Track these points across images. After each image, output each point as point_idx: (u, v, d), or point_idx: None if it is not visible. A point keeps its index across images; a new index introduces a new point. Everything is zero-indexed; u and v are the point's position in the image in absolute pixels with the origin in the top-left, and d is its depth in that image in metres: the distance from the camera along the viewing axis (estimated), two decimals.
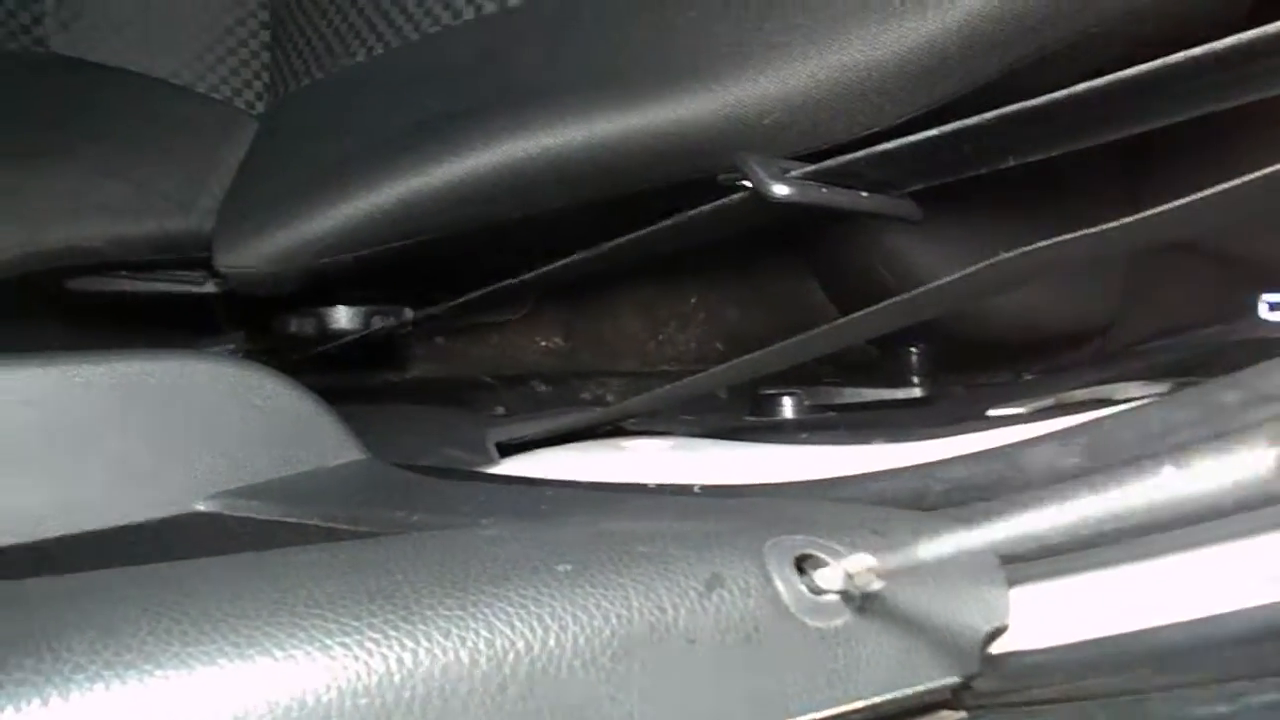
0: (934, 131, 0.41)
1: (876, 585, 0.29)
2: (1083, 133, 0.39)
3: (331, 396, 0.56)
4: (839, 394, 0.78)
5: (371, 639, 0.25)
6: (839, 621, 0.31)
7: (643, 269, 1.11)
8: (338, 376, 0.85)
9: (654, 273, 1.12)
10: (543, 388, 1.02)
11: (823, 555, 0.32)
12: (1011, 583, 0.35)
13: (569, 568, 0.29)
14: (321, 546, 0.31)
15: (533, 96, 0.60)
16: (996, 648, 0.35)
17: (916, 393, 0.76)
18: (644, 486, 0.48)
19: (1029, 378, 0.84)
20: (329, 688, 0.24)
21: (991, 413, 0.64)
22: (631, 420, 0.65)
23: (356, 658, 0.24)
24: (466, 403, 0.91)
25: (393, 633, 0.25)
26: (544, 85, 0.60)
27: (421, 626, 0.26)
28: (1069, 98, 0.36)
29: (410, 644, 0.25)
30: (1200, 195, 0.31)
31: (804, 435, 0.62)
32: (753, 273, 1.11)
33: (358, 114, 0.68)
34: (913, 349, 0.77)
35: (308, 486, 0.52)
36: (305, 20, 0.74)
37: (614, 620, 0.28)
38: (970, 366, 0.85)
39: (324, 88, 0.71)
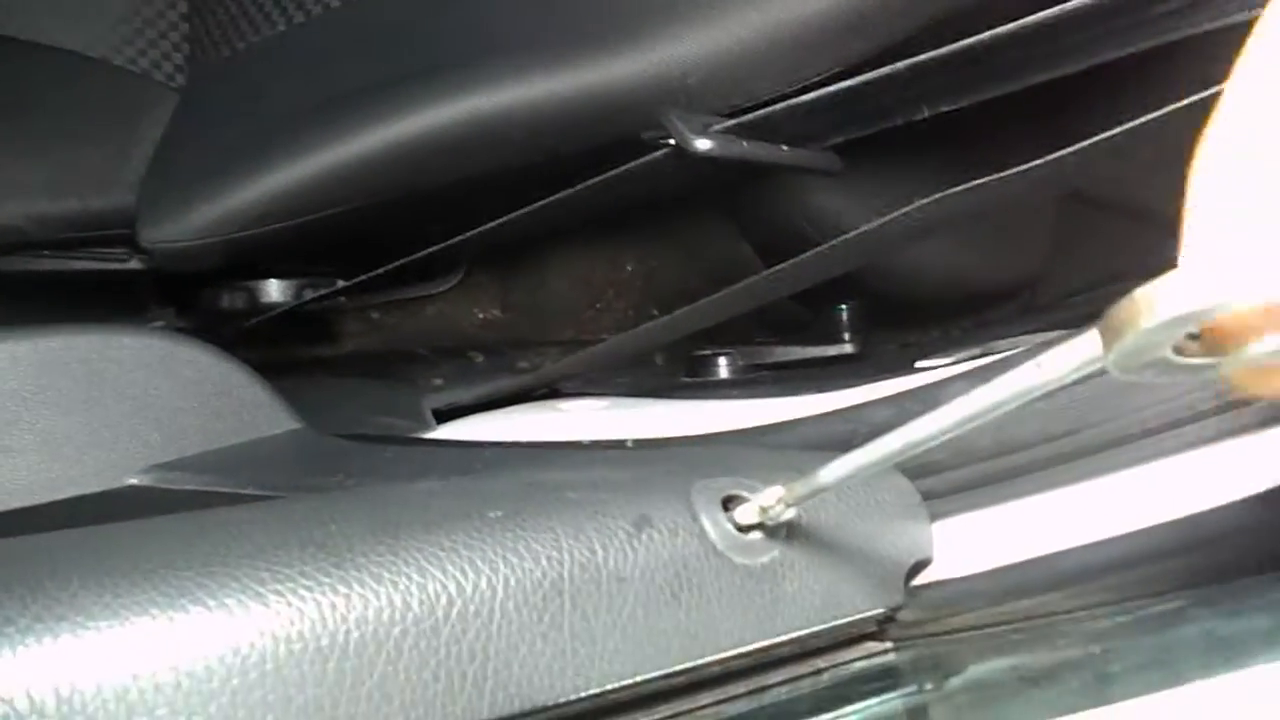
0: (849, 83, 0.42)
1: (789, 514, 0.30)
2: (989, 80, 0.40)
3: (265, 370, 0.55)
4: (772, 353, 0.79)
5: (305, 586, 0.25)
6: (765, 558, 0.32)
7: (578, 238, 1.11)
8: (272, 351, 0.84)
9: (590, 242, 1.12)
10: (480, 359, 1.02)
11: (748, 495, 0.33)
12: (934, 517, 0.37)
13: (500, 514, 0.29)
14: (254, 504, 0.32)
15: (457, 62, 0.60)
16: (921, 580, 0.36)
17: (848, 349, 0.78)
18: (578, 444, 0.49)
19: (958, 333, 0.86)
20: (263, 634, 0.24)
21: (920, 364, 0.66)
22: (568, 384, 0.66)
23: (290, 604, 0.25)
24: (403, 375, 0.91)
25: (325, 579, 0.26)
26: (469, 50, 0.60)
27: (354, 573, 0.26)
28: (974, 45, 0.37)
29: (343, 589, 0.26)
30: (1090, 141, 0.32)
31: (736, 391, 0.63)
32: (688, 239, 1.11)
33: (279, 84, 0.67)
34: (843, 307, 0.79)
35: (242, 457, 0.51)
36: None
37: (544, 562, 0.28)
38: (901, 324, 0.87)
39: (244, 58, 0.70)
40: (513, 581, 0.28)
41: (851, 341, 0.77)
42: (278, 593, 0.25)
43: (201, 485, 0.49)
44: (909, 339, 0.81)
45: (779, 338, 0.84)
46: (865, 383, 0.52)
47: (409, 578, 0.26)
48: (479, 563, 0.28)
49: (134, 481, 0.50)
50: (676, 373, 0.81)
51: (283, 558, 0.26)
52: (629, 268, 1.17)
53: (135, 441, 0.50)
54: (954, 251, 0.79)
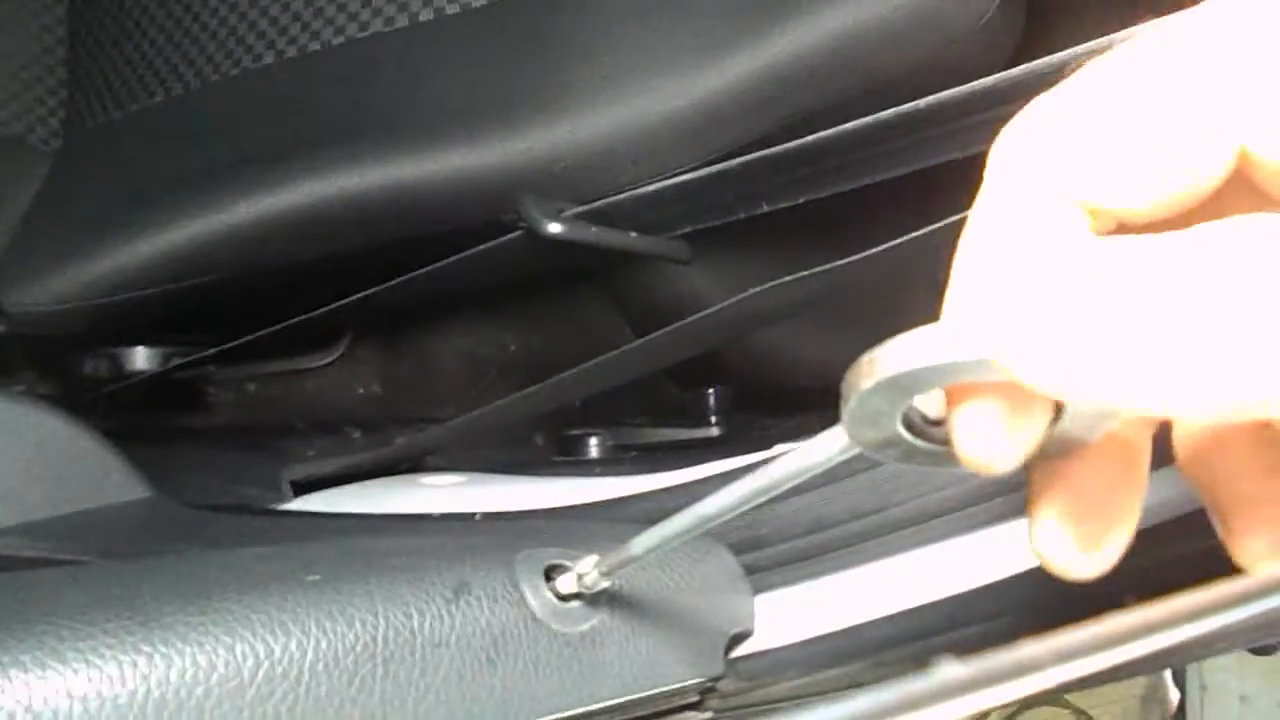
0: (689, 176, 0.44)
1: (604, 584, 0.31)
2: (822, 180, 0.43)
3: (130, 438, 0.55)
4: (641, 434, 0.81)
5: (106, 644, 0.25)
6: (585, 626, 0.33)
7: (461, 316, 1.12)
8: (138, 419, 0.83)
9: (473, 320, 1.13)
10: (357, 434, 1.02)
11: (570, 565, 0.34)
12: (757, 590, 0.38)
13: (317, 578, 0.30)
14: (71, 566, 0.32)
15: (332, 139, 0.61)
16: (741, 650, 0.38)
17: (714, 432, 0.80)
18: (429, 516, 0.49)
19: (819, 420, 0.89)
20: (58, 692, 0.24)
21: (778, 447, 0.68)
22: (434, 459, 0.66)
23: (89, 662, 0.25)
24: (277, 448, 0.90)
25: (129, 638, 0.26)
26: (344, 129, 0.62)
27: (159, 633, 0.26)
28: (801, 147, 0.39)
29: (146, 648, 0.26)
30: (904, 239, 0.35)
31: (599, 469, 0.65)
32: (570, 319, 1.13)
33: (154, 153, 0.67)
34: (711, 390, 0.81)
35: (85, 524, 0.51)
36: (105, 58, 0.73)
37: (358, 625, 0.29)
38: (767, 409, 0.90)
39: (121, 126, 0.70)
40: (324, 644, 0.28)
41: (718, 424, 0.80)
42: (76, 650, 0.25)
43: (39, 552, 0.48)
44: (772, 423, 0.84)
45: (651, 419, 0.86)
46: (716, 460, 0.54)
47: (216, 639, 0.27)
48: (290, 625, 0.28)
49: None
50: (550, 452, 0.82)
51: (87, 616, 0.26)
52: (512, 347, 1.18)
53: None
54: (814, 338, 0.82)
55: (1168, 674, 2.20)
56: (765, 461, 0.40)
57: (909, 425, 0.21)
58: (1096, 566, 0.22)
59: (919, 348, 0.19)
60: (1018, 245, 0.20)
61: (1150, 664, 0.36)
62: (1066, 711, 2.16)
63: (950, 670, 0.13)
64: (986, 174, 0.21)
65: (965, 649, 0.26)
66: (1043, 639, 0.14)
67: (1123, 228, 0.21)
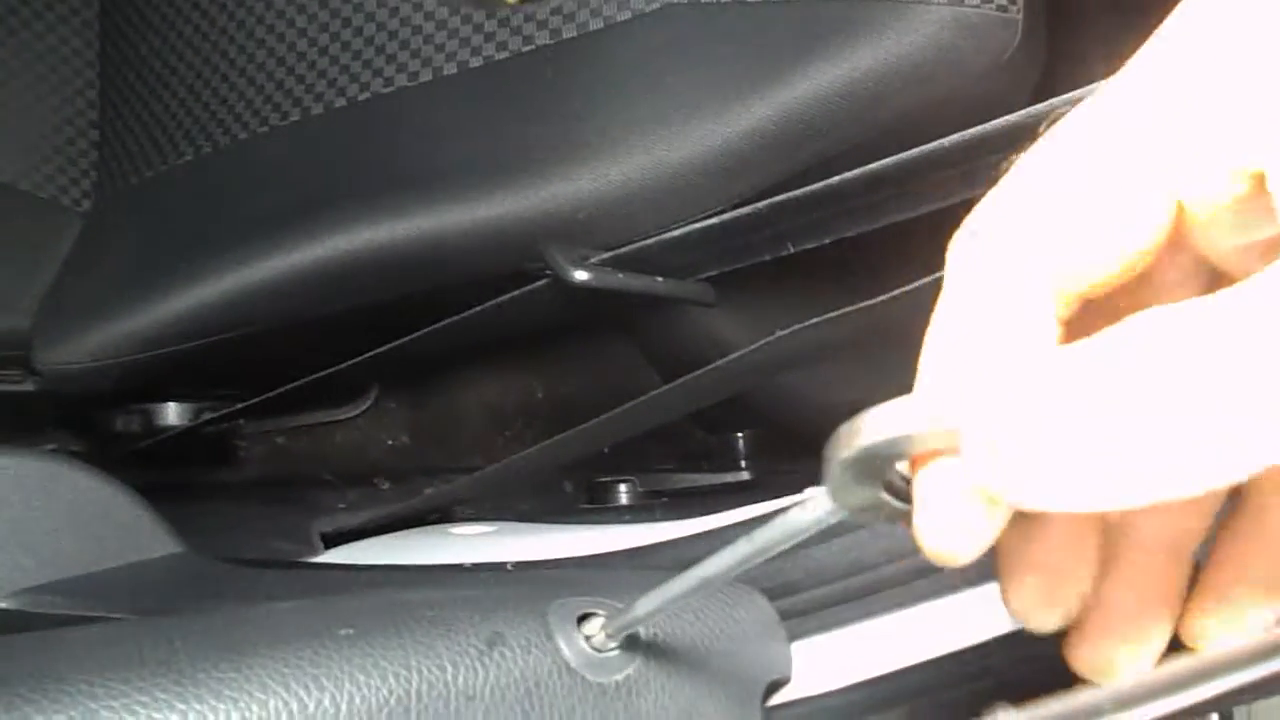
0: (713, 220, 0.44)
1: (612, 646, 0.31)
2: (844, 220, 0.43)
3: (158, 494, 0.55)
4: (671, 480, 0.80)
5: (140, 702, 0.25)
6: (620, 676, 0.33)
7: (489, 367, 1.12)
8: (169, 474, 0.83)
9: (500, 370, 1.13)
10: (386, 485, 1.02)
11: (603, 614, 0.33)
12: (793, 637, 0.38)
13: (350, 631, 0.30)
14: (104, 623, 0.31)
15: (359, 193, 0.62)
16: (778, 699, 0.37)
17: (744, 476, 0.79)
18: (460, 566, 0.49)
19: None
20: None
21: (809, 491, 0.67)
22: (463, 509, 0.66)
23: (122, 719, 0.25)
24: (306, 501, 0.90)
25: (161, 695, 0.26)
26: (370, 182, 0.62)
27: (193, 689, 0.26)
28: (825, 188, 0.39)
29: (180, 706, 0.26)
30: (931, 279, 0.35)
31: (629, 516, 0.64)
32: (597, 366, 1.13)
33: (184, 212, 0.68)
34: (740, 435, 0.80)
35: (117, 580, 0.51)
36: (135, 119, 0.74)
37: (391, 679, 0.29)
38: (797, 452, 0.89)
39: (151, 186, 0.71)
40: (357, 699, 0.28)
41: (748, 469, 0.79)
42: (110, 709, 0.25)
43: (72, 609, 0.48)
44: (802, 467, 0.83)
45: (680, 464, 0.86)
46: (746, 505, 0.54)
47: (250, 694, 0.27)
48: (324, 680, 0.28)
49: (2, 605, 0.49)
50: (579, 500, 0.82)
51: (120, 675, 0.26)
52: (539, 395, 1.18)
53: (6, 564, 0.49)
54: (842, 380, 0.82)
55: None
56: (781, 510, 0.40)
57: (892, 489, 0.21)
58: (1062, 621, 0.24)
59: (894, 419, 0.20)
60: (975, 338, 0.22)
61: (1206, 708, 0.35)
62: None
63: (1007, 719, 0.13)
64: (947, 270, 0.22)
65: (1012, 693, 0.26)
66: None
67: (1087, 301, 0.22)
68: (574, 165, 0.58)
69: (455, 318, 0.55)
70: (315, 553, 0.57)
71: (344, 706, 0.28)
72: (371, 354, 0.60)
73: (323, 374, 0.63)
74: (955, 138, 0.37)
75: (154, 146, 0.72)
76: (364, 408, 1.07)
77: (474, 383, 1.13)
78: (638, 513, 0.67)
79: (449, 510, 0.64)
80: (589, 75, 0.60)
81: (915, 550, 0.35)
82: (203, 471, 0.91)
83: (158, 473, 0.80)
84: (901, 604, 0.35)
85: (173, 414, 0.76)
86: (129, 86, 0.76)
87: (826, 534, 0.41)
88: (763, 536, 0.24)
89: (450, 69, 0.63)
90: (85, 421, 0.81)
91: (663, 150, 0.56)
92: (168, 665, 0.27)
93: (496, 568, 0.48)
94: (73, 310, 0.68)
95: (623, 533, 0.58)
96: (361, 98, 0.63)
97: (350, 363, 0.61)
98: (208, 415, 0.74)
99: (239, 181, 0.68)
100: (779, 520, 0.23)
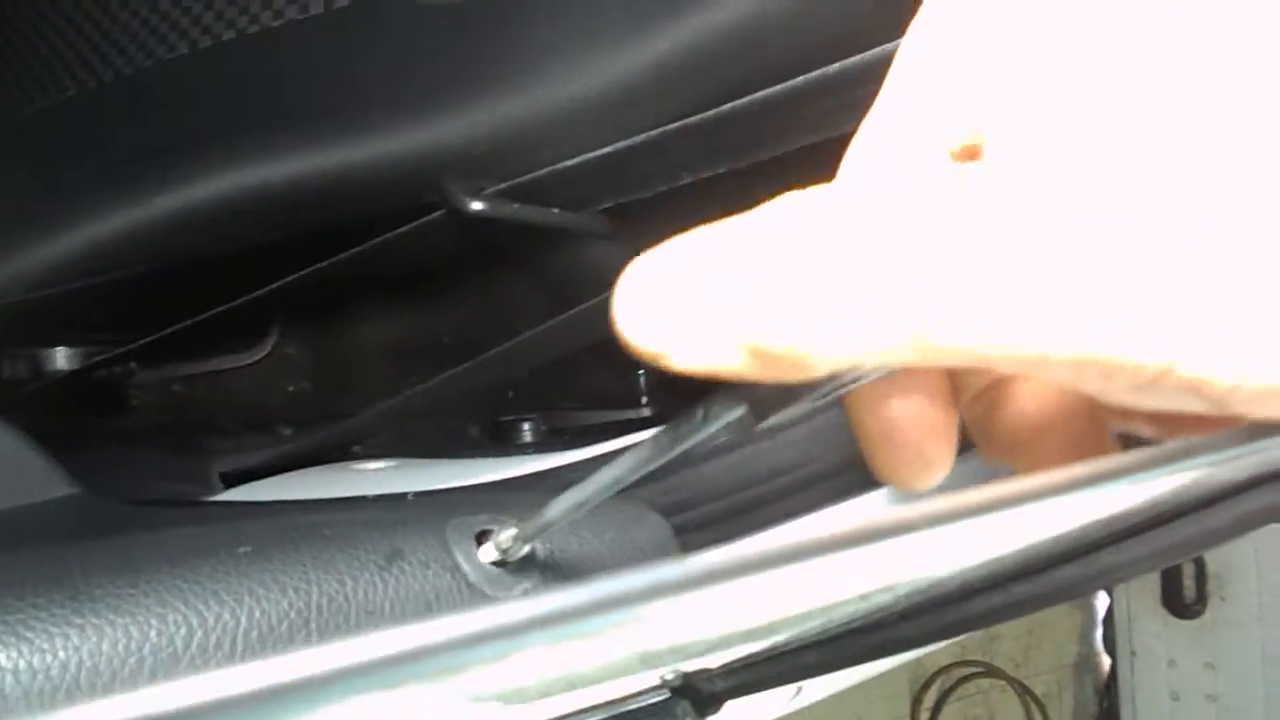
0: (606, 150, 0.45)
1: (524, 549, 0.32)
2: (736, 150, 0.44)
3: (52, 440, 0.54)
4: (575, 417, 0.81)
5: (36, 618, 0.26)
6: (517, 591, 0.34)
7: (391, 310, 1.11)
8: (60, 420, 0.81)
9: (402, 313, 1.12)
10: (288, 432, 1.01)
11: (505, 529, 0.34)
12: (685, 549, 0.39)
13: (249, 550, 0.30)
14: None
15: (250, 129, 0.61)
16: None
17: (646, 412, 0.81)
18: (362, 498, 0.49)
19: None
20: None
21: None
22: (364, 447, 0.66)
23: (19, 636, 0.25)
24: (206, 447, 0.89)
25: (59, 611, 0.26)
26: (261, 119, 0.61)
27: (89, 605, 0.26)
28: (717, 115, 0.40)
29: (78, 620, 0.26)
30: None
31: (531, 451, 0.65)
32: (502, 306, 1.13)
33: (68, 148, 0.66)
34: (641, 373, 0.82)
35: (10, 521, 0.50)
36: (13, 55, 0.72)
37: (290, 593, 0.29)
38: (698, 390, 0.91)
39: (33, 122, 0.69)
40: (257, 613, 0.29)
41: (648, 405, 0.80)
42: (5, 624, 0.25)
43: None
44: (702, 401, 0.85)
45: (582, 405, 0.87)
46: (645, 430, 0.55)
47: (148, 609, 0.27)
48: (222, 594, 0.28)
49: None
50: (484, 441, 0.82)
51: (14, 593, 0.26)
52: (445, 340, 1.18)
53: None
54: None
55: (1099, 641, 2.26)
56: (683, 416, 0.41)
57: None
58: (932, 479, 0.26)
59: None
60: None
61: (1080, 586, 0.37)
62: (1003, 682, 2.21)
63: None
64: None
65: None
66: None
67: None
68: (471, 99, 0.58)
69: (351, 251, 0.55)
70: (215, 492, 0.57)
71: (243, 620, 0.28)
72: (265, 290, 0.60)
73: (213, 313, 0.62)
74: (841, 64, 0.38)
75: (34, 82, 0.69)
76: (263, 354, 1.05)
77: (377, 325, 1.12)
78: (540, 448, 0.68)
79: (350, 450, 0.64)
80: (484, 9, 0.60)
81: (798, 464, 0.37)
82: (97, 419, 0.89)
83: (48, 419, 0.78)
84: (786, 515, 0.37)
85: (61, 358, 0.74)
86: (6, 21, 0.74)
87: (714, 451, 0.43)
88: (666, 437, 0.25)
89: (341, 2, 0.62)
90: None
91: (559, 85, 0.56)
92: (63, 585, 0.27)
93: (398, 498, 0.49)
94: None
95: (524, 462, 0.59)
96: (251, 30, 0.62)
97: (242, 300, 0.60)
98: (98, 359, 0.73)
99: (125, 117, 0.66)
100: (680, 421, 0.25)
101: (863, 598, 0.21)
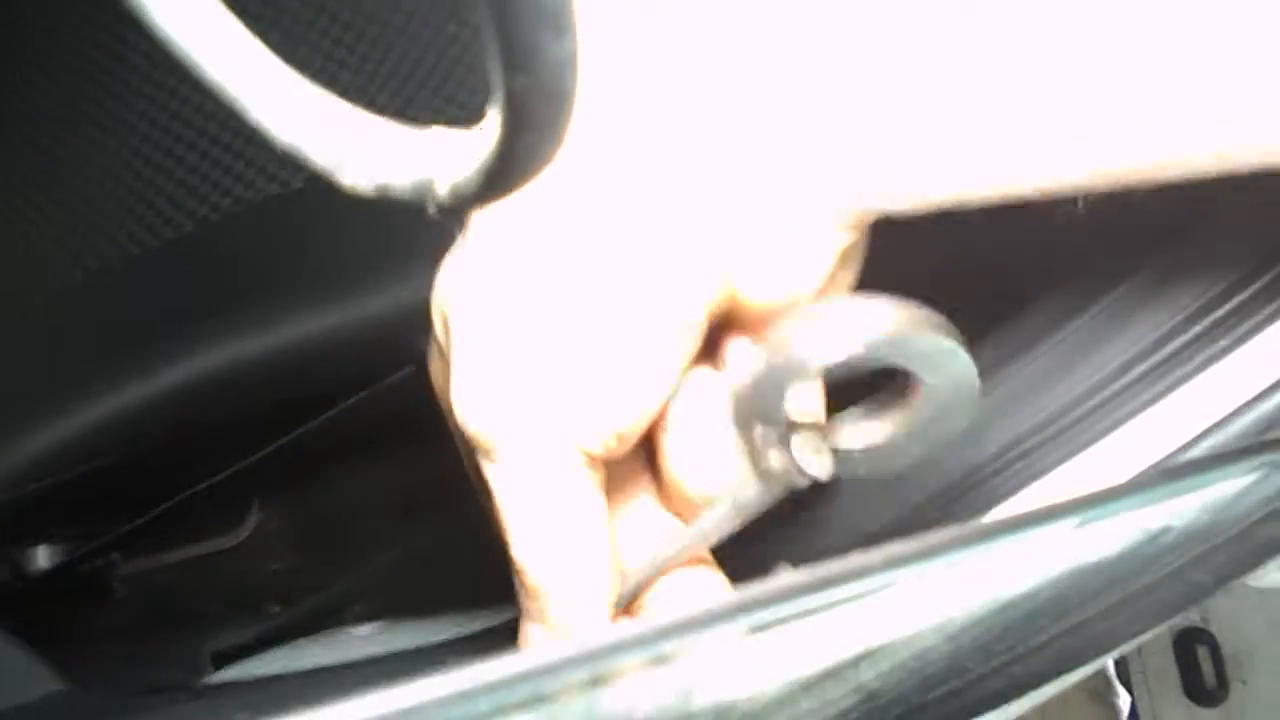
0: None
1: None
2: None
3: (37, 638, 0.53)
4: None
5: None
6: None
7: (371, 470, 1.11)
8: (44, 617, 0.80)
9: (383, 472, 1.12)
10: (276, 609, 0.99)
11: None
12: None
13: None
14: None
15: (213, 312, 0.62)
16: None
17: None
18: (352, 664, 0.49)
19: None
20: None
21: None
22: (358, 609, 0.66)
23: None
24: (194, 629, 0.87)
25: None
26: (223, 299, 0.62)
27: None
28: None
29: None
30: None
31: None
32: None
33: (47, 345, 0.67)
34: None
35: None
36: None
37: None
38: None
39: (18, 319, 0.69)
40: None
41: None
42: None
43: None
44: None
45: None
46: None
47: None
48: None
49: None
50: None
51: None
52: (427, 492, 1.17)
53: None
54: None
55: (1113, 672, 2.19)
56: None
57: None
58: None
59: None
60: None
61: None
62: None
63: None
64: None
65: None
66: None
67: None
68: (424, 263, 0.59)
69: (327, 414, 0.55)
70: (206, 674, 0.56)
71: None
72: (242, 464, 0.60)
73: (192, 491, 0.62)
74: None
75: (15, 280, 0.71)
76: (245, 534, 1.04)
77: (359, 486, 1.11)
78: None
79: (342, 615, 0.64)
80: None
81: None
82: (83, 612, 0.87)
83: (34, 617, 0.77)
84: None
85: (43, 556, 0.73)
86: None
87: None
88: None
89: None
90: None
91: None
92: None
93: (395, 657, 0.48)
94: None
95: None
96: (235, 210, 0.64)
97: (220, 476, 0.60)
98: (80, 553, 0.72)
99: (99, 311, 0.67)
100: None
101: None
